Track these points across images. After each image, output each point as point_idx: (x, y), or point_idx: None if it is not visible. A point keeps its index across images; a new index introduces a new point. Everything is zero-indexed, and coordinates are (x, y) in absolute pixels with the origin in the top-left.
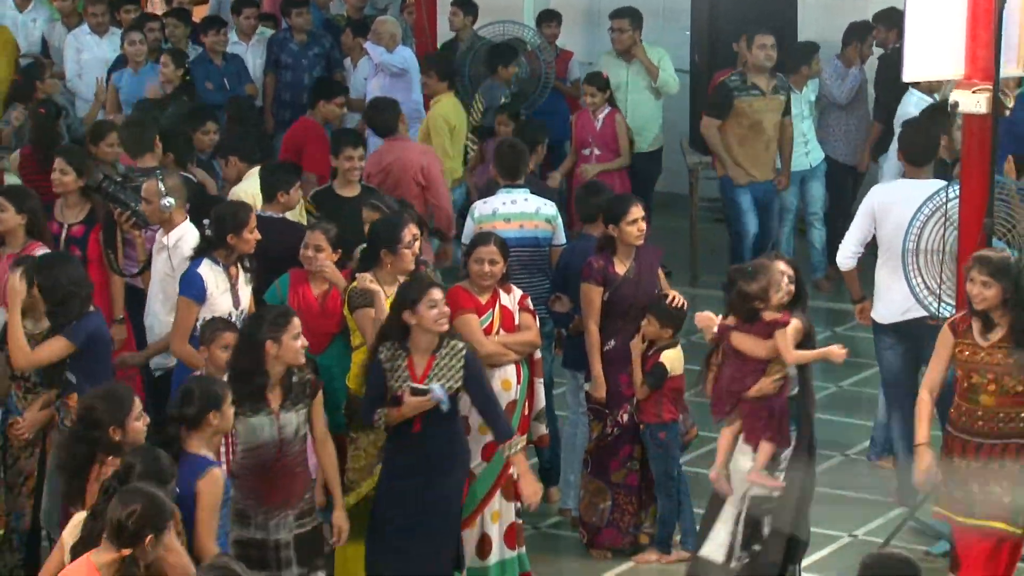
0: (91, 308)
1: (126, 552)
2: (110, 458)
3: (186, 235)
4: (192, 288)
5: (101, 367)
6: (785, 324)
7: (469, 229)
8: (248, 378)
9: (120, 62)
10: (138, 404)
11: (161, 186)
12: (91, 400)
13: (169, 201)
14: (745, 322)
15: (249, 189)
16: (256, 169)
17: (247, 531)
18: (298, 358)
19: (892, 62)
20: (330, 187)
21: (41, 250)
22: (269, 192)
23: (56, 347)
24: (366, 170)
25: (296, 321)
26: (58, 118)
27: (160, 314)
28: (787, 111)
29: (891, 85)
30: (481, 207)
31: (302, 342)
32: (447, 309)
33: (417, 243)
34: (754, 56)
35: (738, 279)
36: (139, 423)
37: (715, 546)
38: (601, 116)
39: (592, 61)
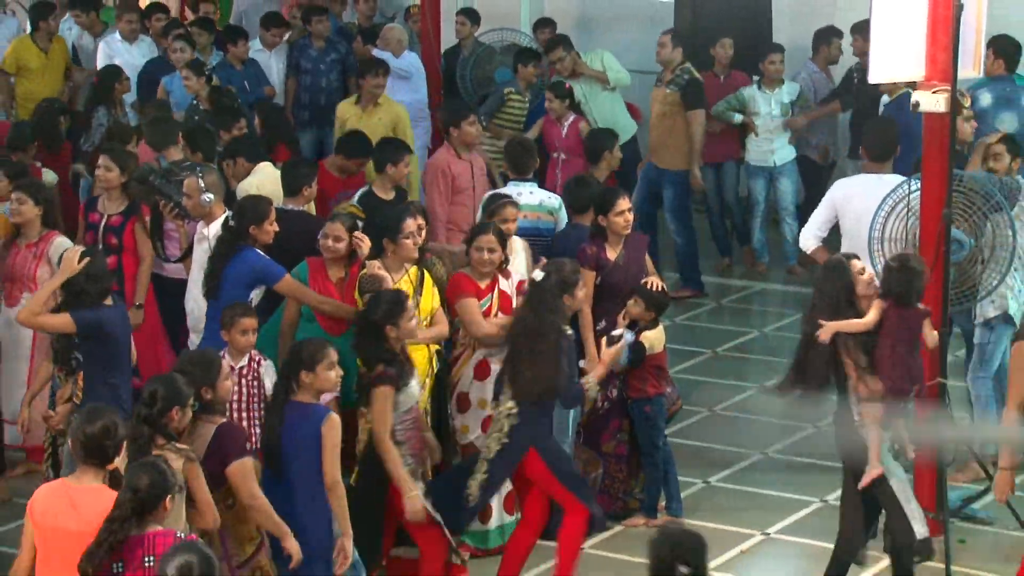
0: (107, 301)
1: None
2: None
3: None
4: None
5: (107, 354)
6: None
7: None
8: (392, 357)
9: (158, 66)
10: (226, 366)
11: (201, 182)
12: (181, 364)
13: (209, 196)
14: (899, 305)
15: (255, 182)
16: (261, 164)
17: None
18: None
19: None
20: (371, 190)
21: (58, 239)
22: (293, 186)
23: (58, 321)
24: None
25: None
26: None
27: (199, 299)
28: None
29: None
30: (488, 199)
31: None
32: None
33: (422, 233)
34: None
35: (916, 266)
36: (228, 383)
37: (920, 523)
38: (566, 123)
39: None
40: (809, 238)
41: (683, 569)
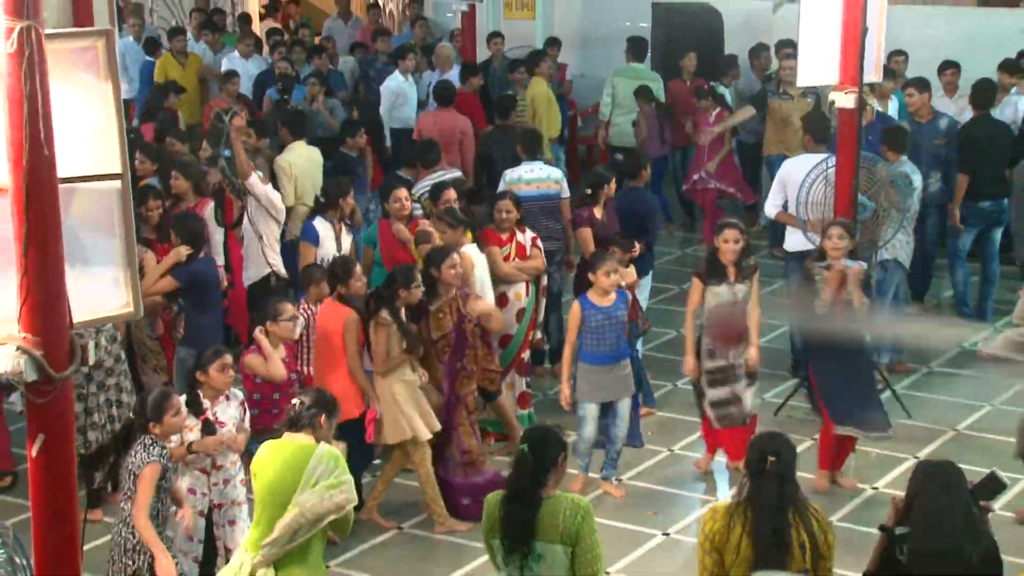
0: (201, 255)
1: None
2: None
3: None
4: (309, 235)
5: (203, 297)
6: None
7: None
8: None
9: (267, 76)
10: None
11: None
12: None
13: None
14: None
15: (288, 157)
16: (297, 143)
17: (712, 361)
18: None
19: None
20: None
21: (211, 204)
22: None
23: (164, 284)
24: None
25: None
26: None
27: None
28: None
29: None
30: (510, 173)
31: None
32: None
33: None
34: (783, 72)
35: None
36: (176, 419)
37: None
38: (712, 114)
39: (583, 73)
40: (770, 208)
41: (771, 458)
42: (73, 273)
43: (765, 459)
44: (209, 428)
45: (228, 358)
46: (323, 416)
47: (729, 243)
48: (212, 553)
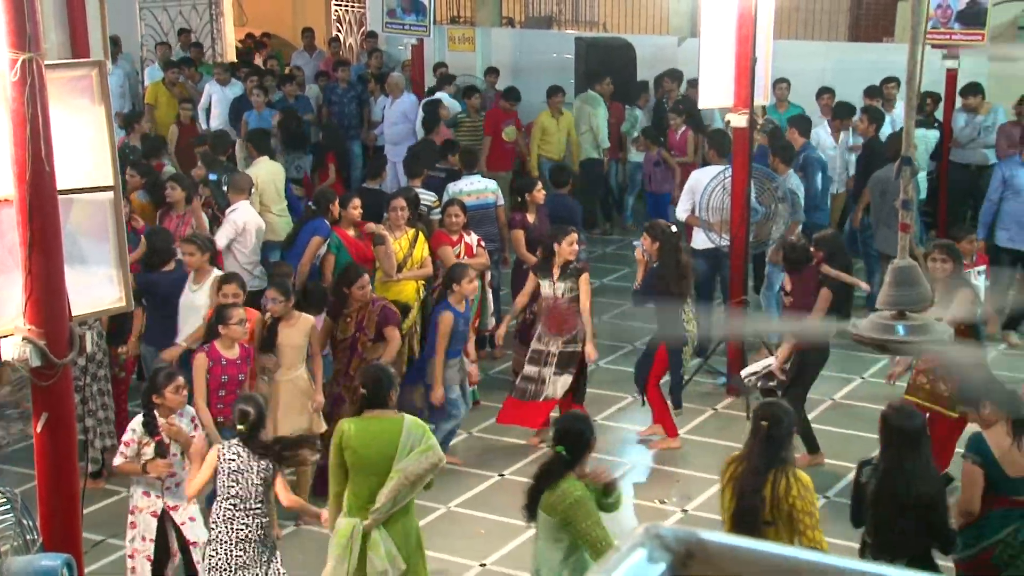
0: (168, 268)
1: None
2: None
3: (239, 209)
4: (323, 231)
5: (161, 303)
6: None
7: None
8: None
9: (242, 101)
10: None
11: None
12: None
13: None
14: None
15: (253, 172)
16: (262, 158)
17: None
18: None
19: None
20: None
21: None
22: (413, 171)
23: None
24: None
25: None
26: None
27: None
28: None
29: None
30: (452, 186)
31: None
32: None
33: (403, 212)
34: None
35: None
36: (177, 396)
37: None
38: (679, 132)
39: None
40: (680, 212)
41: (764, 423)
42: (72, 272)
43: (760, 423)
44: (161, 451)
45: (181, 380)
46: (392, 392)
47: (573, 246)
48: (165, 553)
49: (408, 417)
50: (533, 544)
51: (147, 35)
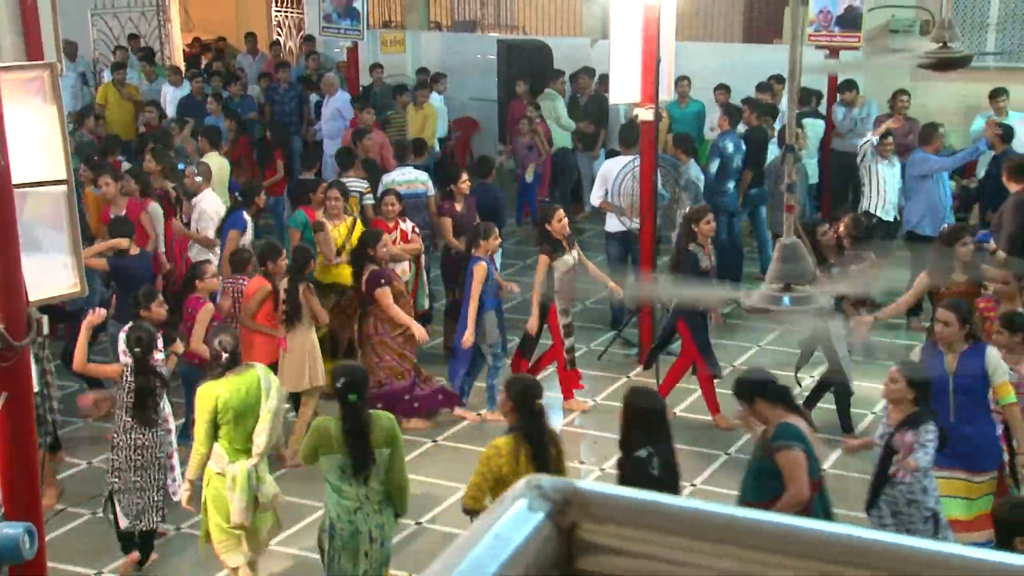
0: (133, 251)
1: None
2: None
3: (207, 197)
4: (239, 224)
5: (129, 285)
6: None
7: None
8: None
9: (190, 99)
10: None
11: (195, 170)
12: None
13: (199, 178)
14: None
15: (208, 162)
16: (212, 153)
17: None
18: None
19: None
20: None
21: (152, 204)
22: (345, 163)
23: (98, 263)
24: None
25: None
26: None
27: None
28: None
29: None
30: (386, 177)
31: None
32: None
33: (339, 202)
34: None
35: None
36: (161, 309)
37: None
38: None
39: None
40: (594, 198)
41: (539, 401)
42: (28, 260)
43: (534, 402)
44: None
45: (160, 296)
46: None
47: (563, 221)
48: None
49: (257, 365)
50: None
51: (99, 40)
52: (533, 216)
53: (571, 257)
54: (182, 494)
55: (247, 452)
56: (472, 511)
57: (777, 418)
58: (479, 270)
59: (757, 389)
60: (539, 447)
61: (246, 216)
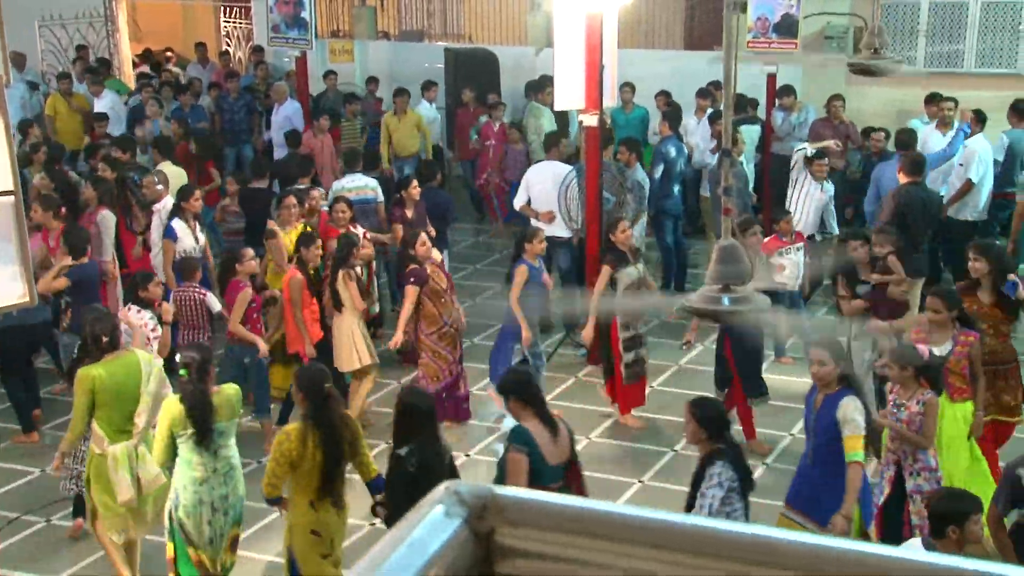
0: (84, 260)
1: None
2: None
3: (169, 206)
4: (169, 234)
5: (87, 292)
6: None
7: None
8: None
9: (138, 110)
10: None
11: (156, 179)
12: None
13: (160, 187)
14: None
15: (165, 170)
16: (165, 162)
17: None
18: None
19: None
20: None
21: (104, 211)
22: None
23: (59, 283)
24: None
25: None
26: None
27: (157, 256)
28: None
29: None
30: (336, 184)
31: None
32: None
33: (294, 210)
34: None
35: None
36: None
37: None
38: (495, 125)
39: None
40: (517, 203)
41: (328, 386)
42: None
43: (322, 388)
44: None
45: (157, 278)
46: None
47: (627, 232)
48: None
49: (137, 351)
50: None
51: (47, 51)
52: (502, 215)
53: (635, 270)
54: (54, 463)
55: (128, 433)
56: (271, 499)
57: (522, 419)
58: (520, 273)
59: (512, 388)
60: (328, 431)
61: (175, 224)
